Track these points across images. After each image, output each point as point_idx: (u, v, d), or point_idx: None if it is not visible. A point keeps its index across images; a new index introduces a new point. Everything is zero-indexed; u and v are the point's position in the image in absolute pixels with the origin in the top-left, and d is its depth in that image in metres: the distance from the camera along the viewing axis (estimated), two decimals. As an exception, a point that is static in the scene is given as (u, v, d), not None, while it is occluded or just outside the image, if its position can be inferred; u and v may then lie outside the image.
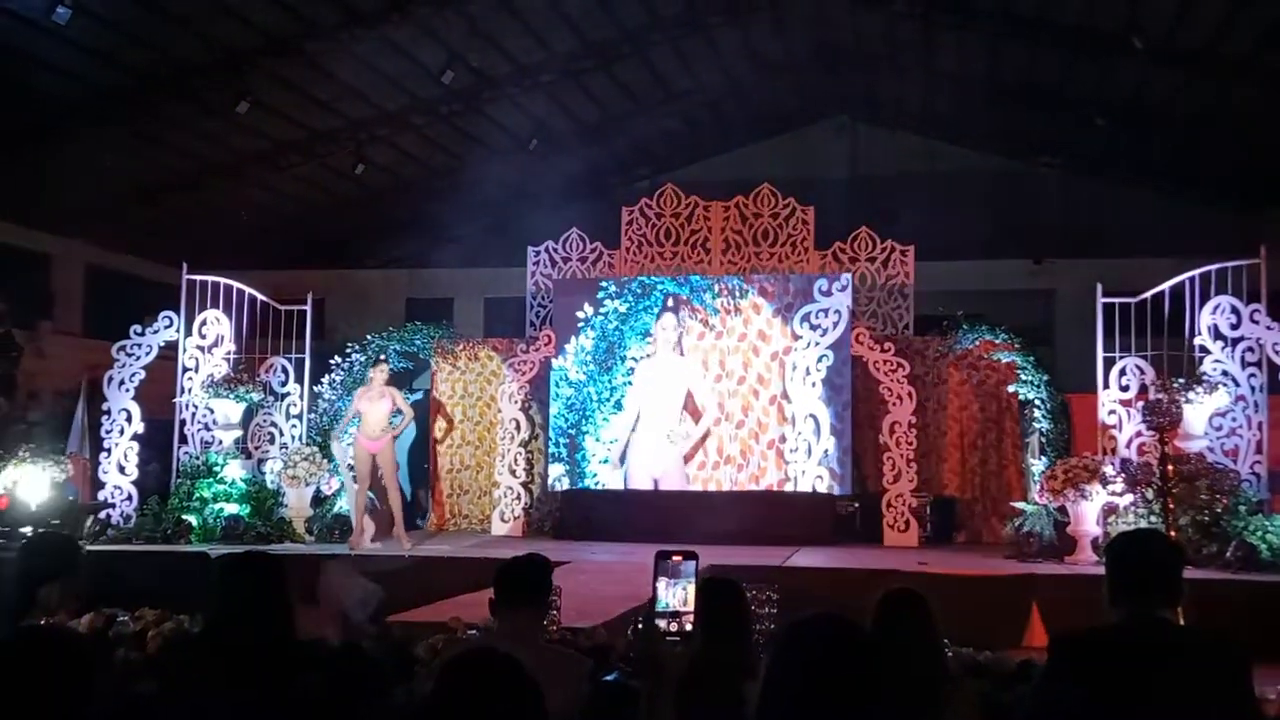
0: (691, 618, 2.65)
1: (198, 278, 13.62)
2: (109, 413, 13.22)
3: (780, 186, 14.58)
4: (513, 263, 15.78)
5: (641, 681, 3.29)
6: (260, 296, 13.78)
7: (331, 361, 13.99)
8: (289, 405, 13.69)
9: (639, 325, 14.00)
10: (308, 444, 13.32)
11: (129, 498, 13.07)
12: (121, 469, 13.15)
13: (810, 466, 13.41)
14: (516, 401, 14.22)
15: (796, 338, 13.60)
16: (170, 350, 13.54)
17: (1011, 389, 13.16)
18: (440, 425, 14.97)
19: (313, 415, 13.70)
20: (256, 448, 13.55)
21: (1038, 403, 12.64)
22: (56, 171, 14.87)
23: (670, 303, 13.91)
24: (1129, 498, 11.11)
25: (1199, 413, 11.25)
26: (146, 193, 16.83)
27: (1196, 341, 11.68)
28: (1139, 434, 11.67)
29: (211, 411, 13.29)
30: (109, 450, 13.18)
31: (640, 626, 3.59)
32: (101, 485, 13.14)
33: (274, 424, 13.63)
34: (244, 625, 3.58)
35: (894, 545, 12.78)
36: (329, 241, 19.94)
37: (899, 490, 13.08)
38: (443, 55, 14.96)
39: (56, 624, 4.18)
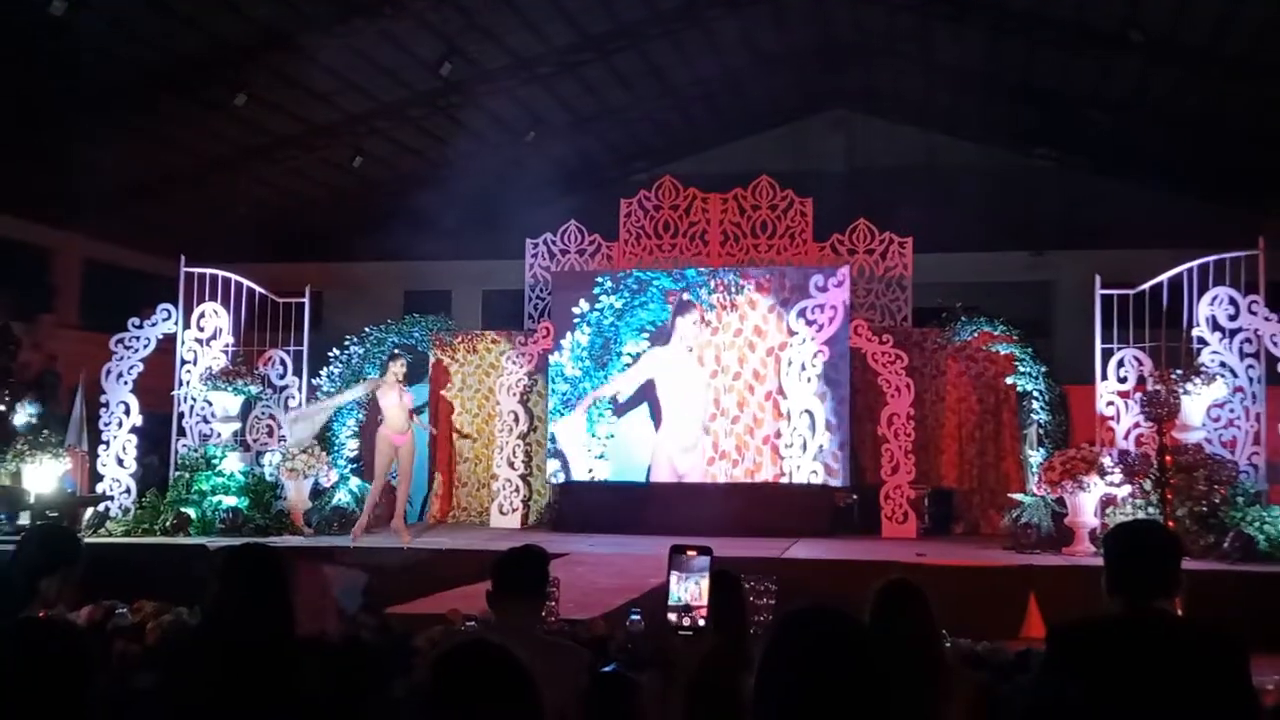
0: (703, 612, 2.65)
1: (196, 270, 13.61)
2: (107, 405, 13.22)
3: (778, 179, 14.58)
4: (511, 255, 15.77)
5: (651, 675, 3.29)
6: (258, 289, 13.77)
7: (329, 354, 13.98)
8: (287, 398, 13.67)
9: (635, 321, 13.99)
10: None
11: (127, 490, 13.08)
12: (120, 461, 13.15)
13: (806, 462, 13.43)
14: (515, 394, 14.22)
15: (793, 333, 13.60)
16: (168, 343, 13.53)
17: (1009, 380, 13.16)
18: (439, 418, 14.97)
19: (311, 408, 13.69)
20: (255, 440, 13.55)
21: (1036, 394, 12.65)
22: (55, 165, 14.84)
23: (685, 301, 13.87)
24: (1127, 489, 11.12)
25: (1197, 404, 11.27)
26: (145, 186, 16.82)
27: (1194, 333, 11.69)
28: (1137, 425, 11.68)
29: (210, 404, 13.29)
30: (107, 443, 13.17)
31: (652, 620, 3.60)
32: (100, 478, 13.13)
33: (272, 417, 13.62)
34: (243, 617, 3.59)
35: (892, 537, 12.80)
36: (327, 234, 19.93)
37: (897, 482, 13.10)
38: (440, 48, 14.94)
39: (55, 616, 4.18)
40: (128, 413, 13.23)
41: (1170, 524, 9.98)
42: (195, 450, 13.09)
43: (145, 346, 13.41)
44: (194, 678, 3.54)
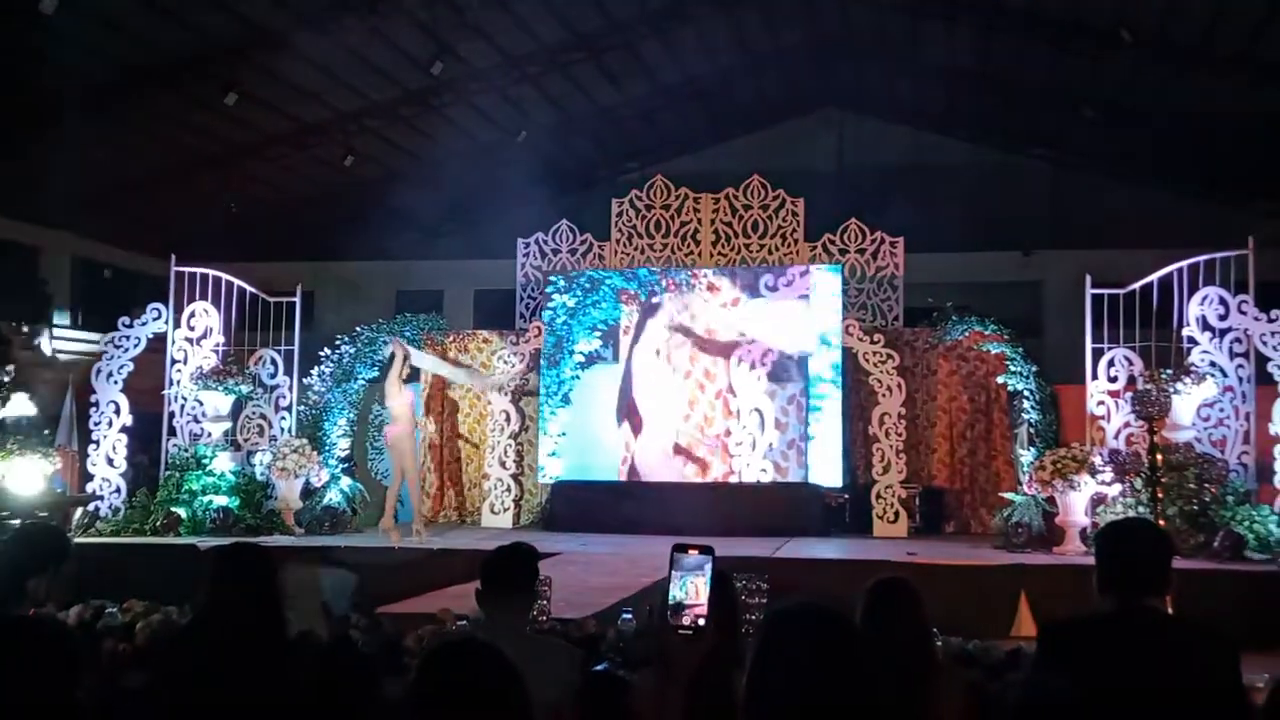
0: (703, 610, 2.65)
1: (186, 270, 13.58)
2: (97, 405, 13.18)
3: (770, 179, 14.60)
4: (503, 255, 15.75)
5: (644, 674, 3.29)
6: (249, 288, 13.74)
7: (320, 353, 13.95)
8: (278, 397, 13.65)
9: (587, 320, 14.13)
10: (297, 436, 13.30)
11: (117, 490, 13.04)
12: (110, 461, 13.11)
13: (755, 460, 13.54)
14: (506, 393, 14.22)
15: (742, 332, 13.71)
16: (159, 342, 13.49)
17: (1000, 380, 13.18)
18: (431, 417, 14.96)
19: (302, 407, 13.67)
20: (245, 440, 13.52)
21: (1026, 394, 12.67)
22: (45, 164, 14.78)
23: (653, 304, 13.97)
24: (1117, 488, 11.15)
25: (1187, 403, 11.30)
26: (135, 184, 16.76)
27: (1184, 332, 11.73)
28: (1127, 424, 11.72)
29: (200, 404, 13.25)
30: (97, 442, 13.13)
31: (652, 619, 3.59)
32: (90, 477, 13.09)
33: (263, 416, 13.59)
34: (232, 618, 3.57)
35: (883, 536, 12.82)
36: (318, 233, 19.86)
37: (888, 481, 13.11)
38: (431, 46, 14.90)
39: (44, 615, 4.17)
40: (118, 412, 13.20)
41: (1161, 523, 9.99)
42: (186, 450, 13.06)
43: (135, 346, 13.37)
44: (183, 678, 3.52)
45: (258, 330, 13.75)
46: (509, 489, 14.06)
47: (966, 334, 13.59)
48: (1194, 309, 11.69)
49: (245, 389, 13.35)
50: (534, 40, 15.87)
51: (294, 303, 13.66)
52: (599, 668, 4.93)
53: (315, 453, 13.09)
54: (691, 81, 18.41)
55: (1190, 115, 16.25)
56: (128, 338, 13.36)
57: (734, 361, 13.75)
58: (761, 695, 2.10)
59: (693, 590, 2.65)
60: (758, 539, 11.53)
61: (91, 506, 12.69)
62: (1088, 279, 12.18)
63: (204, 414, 13.23)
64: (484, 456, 14.38)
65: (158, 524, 12.24)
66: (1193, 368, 11.45)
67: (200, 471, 12.74)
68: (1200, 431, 11.45)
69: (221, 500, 12.60)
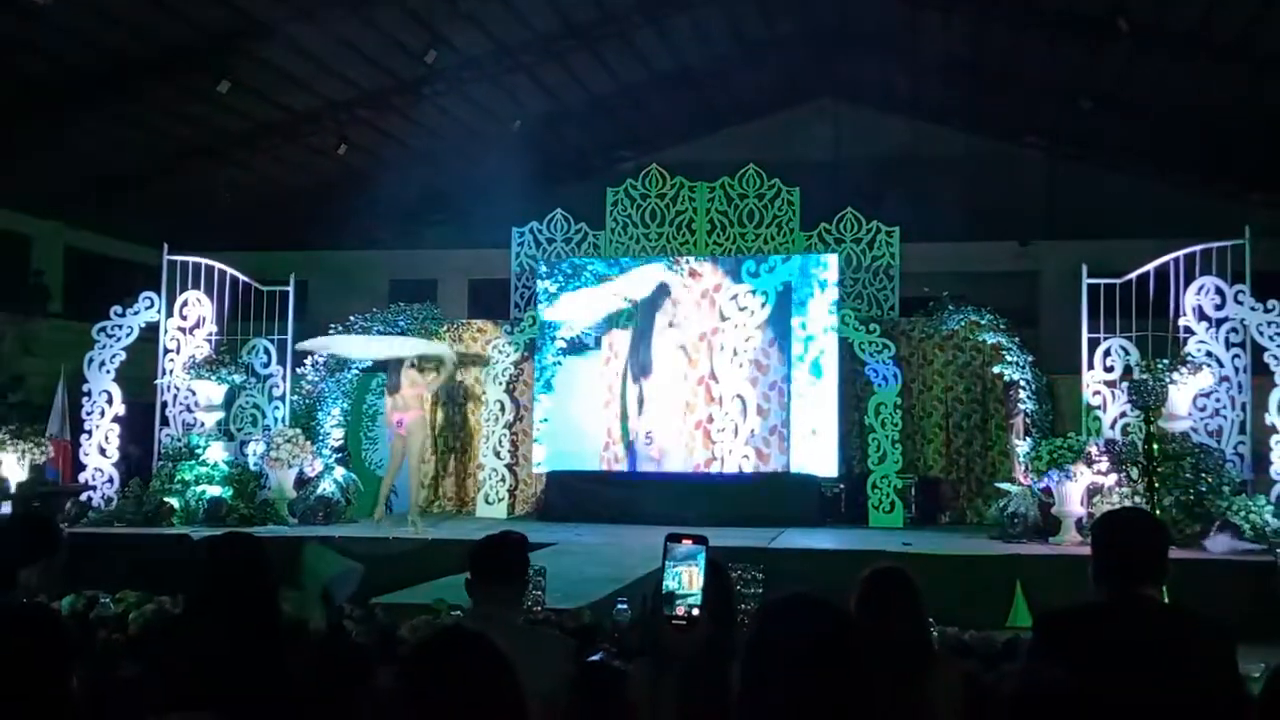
0: (696, 600, 2.63)
1: (179, 259, 13.52)
2: (89, 394, 13.14)
3: (765, 168, 14.56)
4: (497, 244, 15.72)
5: (639, 664, 3.27)
6: (242, 277, 13.67)
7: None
8: (271, 387, 13.60)
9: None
10: (291, 426, 13.26)
11: (110, 480, 13.00)
12: (102, 451, 13.07)
13: (737, 446, 13.56)
14: (501, 383, 14.19)
15: (724, 319, 13.76)
16: (151, 332, 13.45)
17: (996, 370, 13.18)
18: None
19: (295, 397, 13.63)
20: (239, 430, 13.48)
21: (1023, 384, 12.66)
22: (36, 153, 14.74)
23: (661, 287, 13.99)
24: (1113, 478, 11.14)
25: (1183, 393, 11.29)
26: (127, 174, 16.71)
27: (1181, 322, 11.71)
28: (1123, 414, 11.71)
29: (193, 393, 13.21)
30: (89, 432, 13.10)
31: (647, 609, 3.58)
32: (82, 467, 13.06)
33: (256, 406, 13.55)
34: (226, 608, 3.56)
35: (879, 526, 12.81)
36: (311, 222, 19.81)
37: (884, 471, 13.11)
38: (424, 35, 14.86)
39: (38, 605, 4.15)
40: (110, 402, 13.15)
41: (1157, 513, 10.00)
42: (179, 439, 13.01)
43: (128, 335, 13.32)
44: (177, 668, 3.51)
45: (250, 320, 13.69)
46: (503, 479, 14.04)
47: (962, 324, 13.58)
48: (1190, 299, 11.68)
49: (238, 379, 13.30)
50: (528, 29, 15.84)
51: (287, 292, 13.61)
52: (594, 658, 4.92)
53: (309, 443, 13.04)
54: (686, 71, 18.39)
55: (1187, 106, 16.26)
56: (120, 327, 13.30)
57: (716, 348, 13.76)
58: (756, 686, 2.09)
59: (686, 580, 2.64)
60: (753, 529, 11.52)
61: (84, 496, 12.65)
62: (1084, 269, 12.16)
63: (197, 404, 13.17)
64: (479, 447, 14.36)
65: (150, 514, 12.20)
66: (1189, 358, 11.44)
67: (193, 461, 12.69)
68: (1196, 421, 11.44)
69: (215, 490, 12.55)
